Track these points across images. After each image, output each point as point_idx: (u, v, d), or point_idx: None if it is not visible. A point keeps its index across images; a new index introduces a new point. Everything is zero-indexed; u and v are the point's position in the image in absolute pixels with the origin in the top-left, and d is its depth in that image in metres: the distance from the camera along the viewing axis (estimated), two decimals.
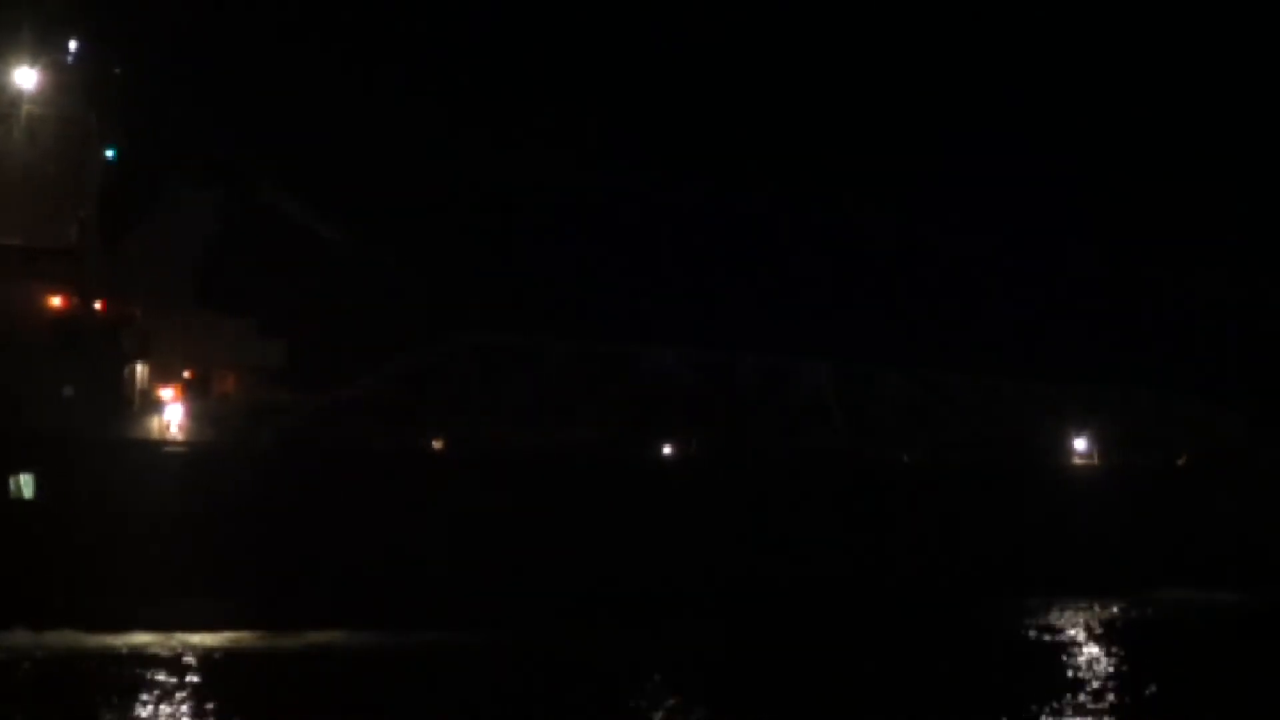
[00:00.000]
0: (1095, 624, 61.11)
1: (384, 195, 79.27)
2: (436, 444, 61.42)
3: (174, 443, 53.88)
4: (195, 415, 55.41)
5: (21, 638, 45.30)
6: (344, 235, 65.29)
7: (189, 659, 44.63)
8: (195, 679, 41.71)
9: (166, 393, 56.66)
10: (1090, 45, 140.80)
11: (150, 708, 37.56)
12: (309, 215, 64.31)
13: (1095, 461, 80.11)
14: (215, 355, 60.18)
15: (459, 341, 67.60)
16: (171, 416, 54.88)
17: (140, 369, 55.84)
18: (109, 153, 58.08)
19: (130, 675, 41.77)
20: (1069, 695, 42.56)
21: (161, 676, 41.54)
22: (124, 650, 45.70)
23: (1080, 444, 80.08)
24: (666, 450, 67.33)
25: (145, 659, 44.33)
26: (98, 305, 55.65)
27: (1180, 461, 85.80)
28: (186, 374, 58.87)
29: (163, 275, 59.48)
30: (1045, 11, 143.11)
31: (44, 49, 55.85)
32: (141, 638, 47.22)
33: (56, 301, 54.25)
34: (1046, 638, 56.76)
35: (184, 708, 37.87)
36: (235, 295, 62.28)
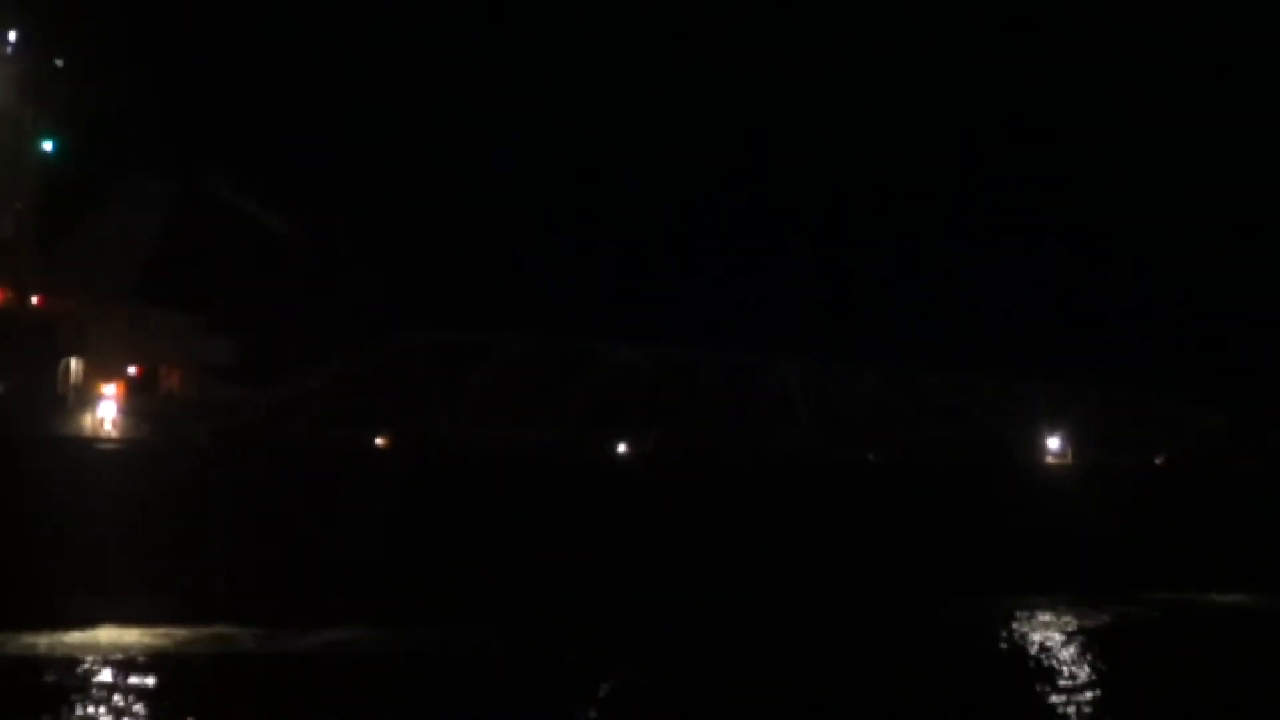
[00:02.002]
0: (1067, 626, 59.56)
1: (336, 189, 78.21)
2: (380, 441, 60.15)
3: (105, 440, 52.72)
4: (131, 412, 54.23)
5: None
6: (295, 230, 64.23)
7: (116, 656, 43.47)
8: (123, 677, 40.58)
9: (109, 389, 55.57)
10: (1069, 44, 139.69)
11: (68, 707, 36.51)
12: (259, 210, 63.26)
13: (1069, 460, 78.78)
14: (161, 351, 59.08)
15: (413, 338, 66.60)
16: (105, 413, 53.74)
17: (76, 365, 54.75)
18: (48, 145, 57.02)
19: (47, 673, 40.61)
20: (1037, 699, 41.42)
21: (80, 674, 40.43)
22: (41, 649, 44.50)
23: (1054, 443, 78.74)
24: (622, 449, 65.96)
25: (60, 658, 43.19)
26: (34, 300, 54.70)
27: (1159, 461, 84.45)
28: (133, 370, 57.80)
29: (108, 270, 58.24)
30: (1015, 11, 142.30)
31: None
32: (73, 636, 46.05)
33: None
34: (1018, 639, 55.31)
35: (104, 705, 36.80)
36: (182, 291, 61.22)
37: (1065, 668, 47.72)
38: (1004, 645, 53.35)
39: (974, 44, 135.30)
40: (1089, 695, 41.94)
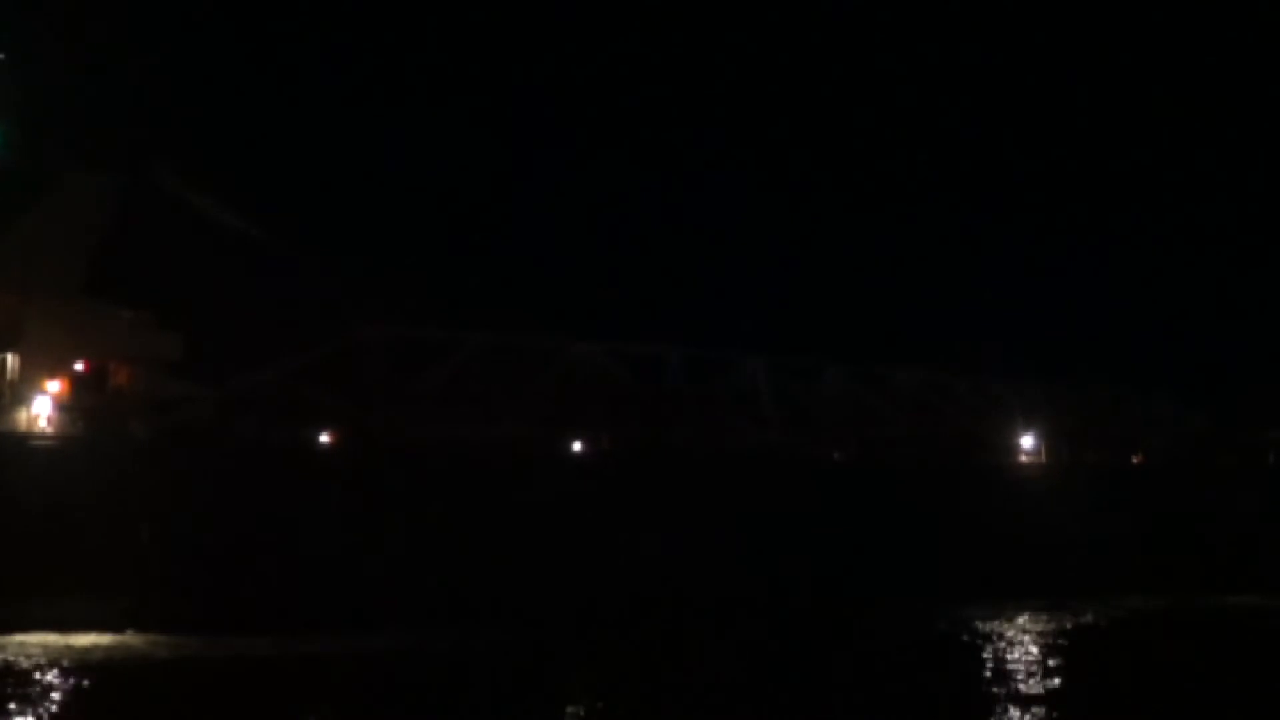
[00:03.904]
0: (1032, 630, 58.28)
1: (290, 180, 77.18)
2: (326, 438, 59.17)
3: (37, 436, 51.66)
4: (68, 408, 53.24)
5: None
6: (247, 224, 63.21)
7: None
8: (56, 683, 39.63)
9: (51, 385, 54.60)
10: (1049, 41, 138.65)
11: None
12: (209, 203, 62.27)
13: (1042, 459, 77.52)
14: (109, 347, 58.10)
15: (368, 333, 65.76)
16: (40, 410, 52.75)
17: (12, 360, 53.72)
18: None
19: None
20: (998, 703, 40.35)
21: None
22: None
23: (1027, 442, 77.51)
24: (577, 446, 64.82)
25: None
26: None
27: (1136, 460, 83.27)
28: (80, 366, 56.87)
29: (52, 264, 57.19)
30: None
31: None
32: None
33: None
34: (974, 640, 54.03)
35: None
36: (130, 285, 60.04)
37: (1018, 674, 46.64)
38: (953, 651, 52.16)
39: (948, 38, 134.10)
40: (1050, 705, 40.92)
